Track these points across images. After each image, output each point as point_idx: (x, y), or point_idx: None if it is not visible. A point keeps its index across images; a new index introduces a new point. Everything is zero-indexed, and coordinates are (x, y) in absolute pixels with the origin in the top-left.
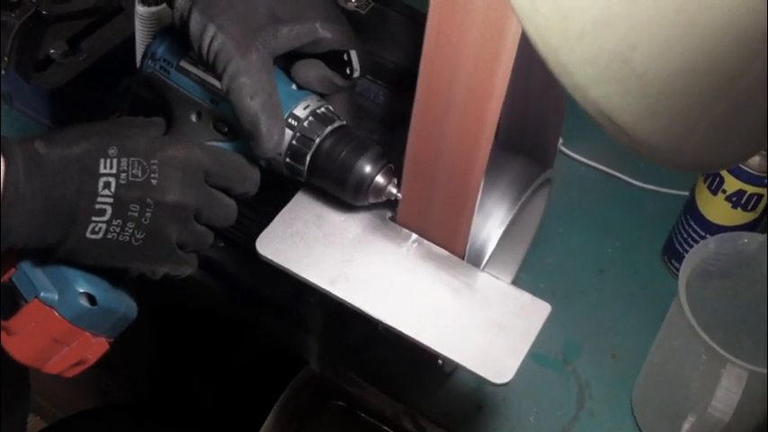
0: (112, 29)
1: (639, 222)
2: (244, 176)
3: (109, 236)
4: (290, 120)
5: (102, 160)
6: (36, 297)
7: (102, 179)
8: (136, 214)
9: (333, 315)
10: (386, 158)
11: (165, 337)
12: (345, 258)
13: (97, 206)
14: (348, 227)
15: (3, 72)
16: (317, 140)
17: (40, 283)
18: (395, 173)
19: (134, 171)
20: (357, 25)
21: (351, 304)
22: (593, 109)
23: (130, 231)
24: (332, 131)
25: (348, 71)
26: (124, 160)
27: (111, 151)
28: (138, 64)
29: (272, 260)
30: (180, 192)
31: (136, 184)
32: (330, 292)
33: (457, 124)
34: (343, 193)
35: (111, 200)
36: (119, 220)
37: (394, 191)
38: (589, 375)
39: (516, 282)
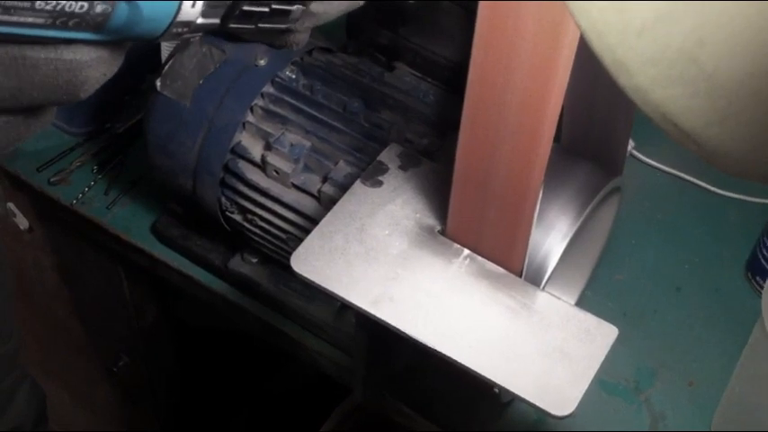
0: None
1: (720, 235)
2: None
3: None
4: None
5: None
6: None
7: None
8: None
9: (377, 339)
10: None
11: (192, 363)
12: (390, 276)
13: None
14: (393, 241)
15: None
16: None
17: None
18: None
19: None
20: (403, 16)
21: (396, 327)
22: (656, 113)
23: None
24: None
25: None
26: None
27: None
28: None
29: (308, 278)
30: None
31: None
32: (373, 315)
33: (512, 126)
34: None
35: None
36: None
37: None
38: (664, 405)
39: (582, 301)
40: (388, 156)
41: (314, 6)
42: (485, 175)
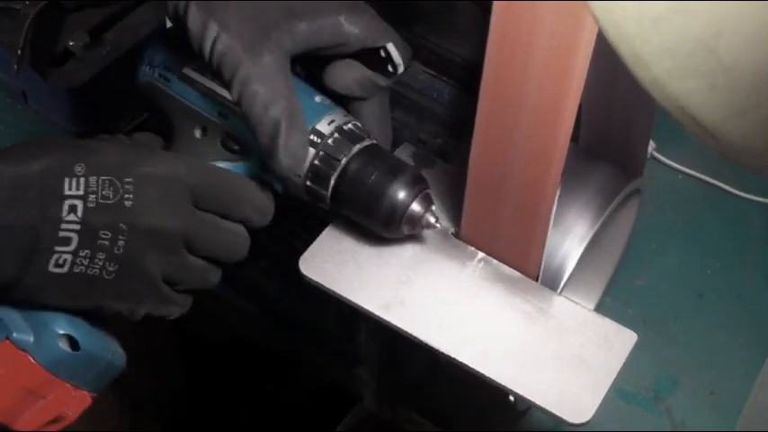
0: (140, 18)
1: (744, 239)
2: (241, 200)
3: (76, 269)
4: (312, 136)
5: (68, 179)
6: (7, 338)
7: (68, 202)
8: (107, 243)
9: (389, 345)
10: (422, 183)
11: (197, 372)
12: (401, 280)
13: (61, 234)
14: (405, 244)
15: (16, 68)
16: (344, 161)
17: (13, 321)
18: (432, 200)
19: (104, 191)
20: (418, 13)
21: (407, 332)
22: (673, 106)
23: (101, 263)
24: (360, 151)
25: (390, 67)
26: (93, 179)
27: (78, 168)
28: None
29: (317, 281)
30: (159, 215)
31: (106, 207)
32: (384, 319)
33: (528, 126)
34: (372, 223)
35: (77, 226)
36: (87, 251)
37: (432, 220)
38: (685, 414)
39: (601, 307)
40: (400, 156)
41: None
42: (500, 177)
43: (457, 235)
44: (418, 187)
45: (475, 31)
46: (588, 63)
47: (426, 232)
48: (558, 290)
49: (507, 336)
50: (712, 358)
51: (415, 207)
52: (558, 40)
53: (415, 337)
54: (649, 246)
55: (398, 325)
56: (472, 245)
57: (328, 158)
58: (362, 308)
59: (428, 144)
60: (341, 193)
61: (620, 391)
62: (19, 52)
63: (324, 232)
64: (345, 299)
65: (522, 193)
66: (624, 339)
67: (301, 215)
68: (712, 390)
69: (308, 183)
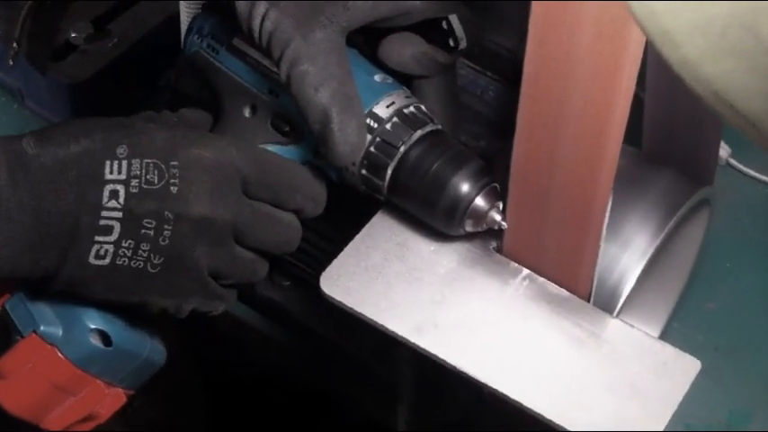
0: (148, 7)
1: None
2: (294, 188)
3: (118, 261)
4: (368, 120)
5: (108, 162)
6: (34, 331)
7: (108, 187)
8: (151, 232)
9: (427, 375)
10: (488, 176)
11: (215, 404)
12: (435, 299)
13: (102, 222)
14: (440, 259)
15: (11, 62)
16: (402, 148)
17: (41, 314)
18: (499, 195)
19: (149, 176)
20: (461, 1)
21: (441, 359)
22: (707, 92)
23: (145, 255)
24: (422, 137)
25: (451, 42)
26: (136, 162)
27: (120, 150)
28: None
29: (340, 301)
30: (208, 202)
31: (151, 193)
32: (415, 344)
33: (574, 127)
34: (432, 217)
35: (119, 214)
36: (130, 241)
37: (497, 218)
38: None
39: (667, 332)
40: None
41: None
42: (545, 184)
43: (498, 249)
44: (484, 180)
45: (524, 22)
46: (641, 54)
47: (464, 246)
48: (615, 312)
49: (555, 363)
50: None
51: (480, 202)
52: (606, 27)
53: (451, 365)
54: (722, 264)
55: (432, 350)
56: (515, 260)
57: (385, 146)
58: (391, 331)
59: (470, 146)
60: (399, 183)
61: (689, 426)
62: (15, 45)
63: (348, 246)
64: (372, 321)
65: (570, 202)
66: (686, 367)
67: (327, 227)
68: None
69: (364, 171)
